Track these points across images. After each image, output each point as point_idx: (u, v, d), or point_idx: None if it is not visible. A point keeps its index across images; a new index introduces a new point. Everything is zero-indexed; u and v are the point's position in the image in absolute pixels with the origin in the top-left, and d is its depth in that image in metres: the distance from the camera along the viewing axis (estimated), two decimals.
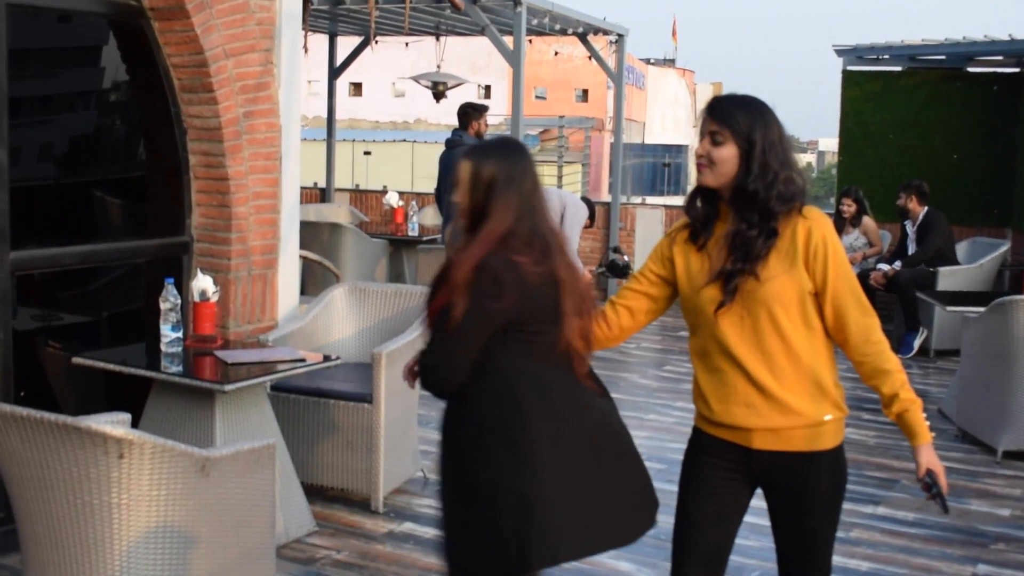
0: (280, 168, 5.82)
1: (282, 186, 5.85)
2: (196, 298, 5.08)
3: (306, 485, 5.31)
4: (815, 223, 2.93)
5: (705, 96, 55.03)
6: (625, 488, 3.19)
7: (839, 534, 5.25)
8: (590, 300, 3.14)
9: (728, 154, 2.93)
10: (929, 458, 2.93)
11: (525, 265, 2.96)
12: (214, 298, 5.11)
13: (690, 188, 3.23)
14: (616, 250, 9.59)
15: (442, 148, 9.26)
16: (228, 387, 4.45)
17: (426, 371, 3.09)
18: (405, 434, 5.63)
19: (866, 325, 2.94)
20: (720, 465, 3.07)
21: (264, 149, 5.72)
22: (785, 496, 3.06)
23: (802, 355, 2.94)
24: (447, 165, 8.89)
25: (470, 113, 8.91)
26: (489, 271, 2.92)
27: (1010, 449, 6.53)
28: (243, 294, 5.64)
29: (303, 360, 4.87)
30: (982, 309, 6.84)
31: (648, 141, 41.76)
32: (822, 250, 2.91)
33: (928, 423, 2.97)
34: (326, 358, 5.04)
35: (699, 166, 3.00)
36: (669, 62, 50.54)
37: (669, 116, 47.61)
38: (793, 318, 2.92)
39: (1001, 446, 6.55)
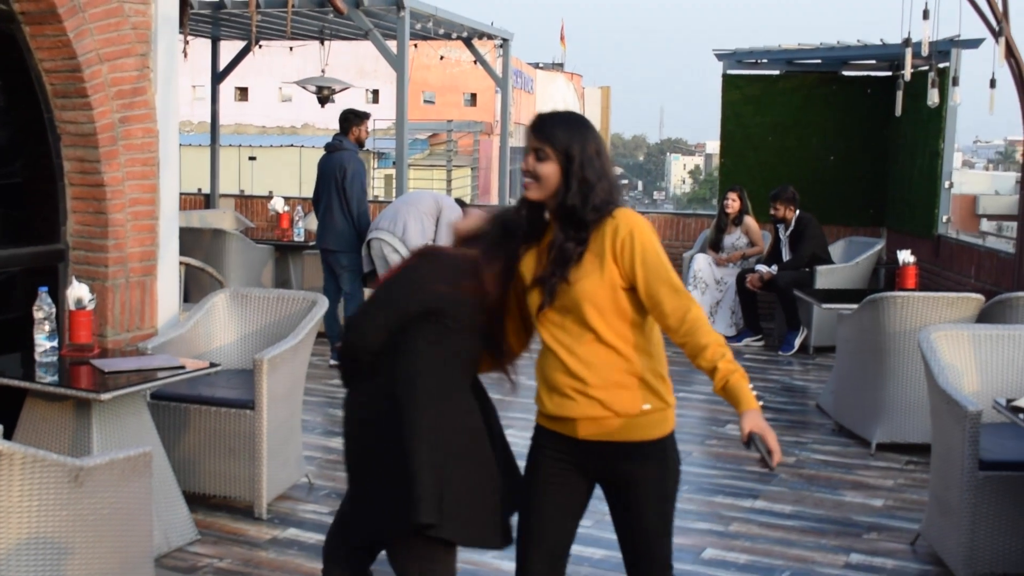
0: (158, 174, 5.75)
1: (160, 192, 5.78)
2: (72, 306, 4.99)
3: (188, 493, 5.25)
4: (622, 220, 3.08)
5: (593, 100, 55.62)
6: (496, 496, 3.30)
7: (717, 528, 5.44)
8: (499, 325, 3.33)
9: (550, 170, 3.11)
10: (754, 421, 2.93)
11: (468, 263, 3.27)
12: (90, 306, 5.03)
13: None
14: None
15: None
16: (104, 396, 4.38)
17: (347, 329, 3.35)
18: (288, 440, 5.60)
19: (680, 306, 3.04)
20: (555, 457, 3.22)
21: (141, 155, 5.65)
22: (615, 488, 3.21)
23: (617, 349, 3.09)
24: (325, 170, 8.84)
25: (351, 119, 8.89)
26: (434, 257, 3.32)
27: (883, 441, 6.74)
28: (121, 302, 5.56)
29: (182, 367, 4.82)
30: (855, 306, 7.05)
31: None
32: (628, 243, 3.05)
33: (755, 392, 2.99)
34: (212, 365, 4.99)
35: (526, 183, 3.17)
36: (557, 66, 50.93)
37: None
38: (606, 314, 3.08)
39: (875, 439, 6.76)
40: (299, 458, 5.80)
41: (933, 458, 5.16)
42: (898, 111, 9.34)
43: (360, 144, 8.95)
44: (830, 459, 6.66)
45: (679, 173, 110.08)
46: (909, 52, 7.88)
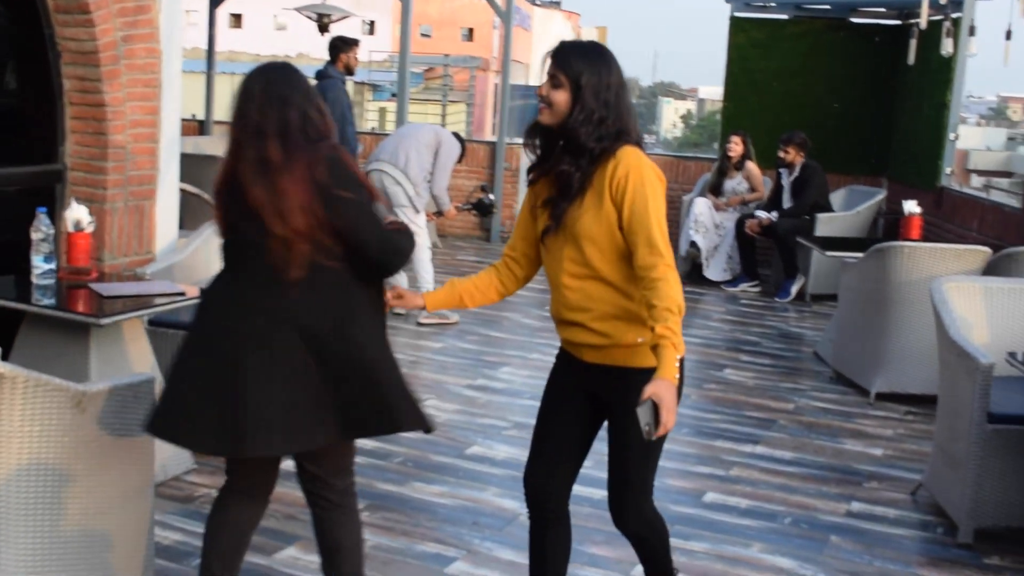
0: (160, 96, 5.62)
1: (162, 115, 5.66)
2: (70, 228, 4.87)
3: None
4: (622, 160, 3.11)
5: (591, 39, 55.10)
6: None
7: (718, 472, 5.40)
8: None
9: (562, 97, 3.15)
10: (658, 389, 2.84)
11: None
12: (89, 229, 4.91)
13: None
14: (484, 188, 9.53)
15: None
16: (104, 320, 4.29)
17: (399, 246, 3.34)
18: None
19: (649, 264, 3.03)
20: (568, 371, 3.37)
21: (143, 75, 5.51)
22: (610, 409, 3.30)
23: (615, 285, 3.16)
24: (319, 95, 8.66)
25: (340, 47, 8.72)
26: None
27: (883, 391, 6.71)
28: (119, 225, 5.46)
29: (182, 294, 4.72)
30: (860, 255, 6.99)
31: (532, 83, 41.62)
32: (623, 184, 3.09)
33: (678, 366, 2.92)
34: None
35: (540, 108, 3.20)
36: (555, 4, 50.41)
37: None
38: (605, 252, 3.14)
39: (874, 388, 6.72)
40: None
41: (940, 409, 5.12)
42: (911, 59, 9.22)
43: (349, 72, 8.79)
44: (829, 407, 6.62)
45: (670, 117, 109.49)
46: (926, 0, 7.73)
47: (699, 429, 6.05)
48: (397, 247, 3.31)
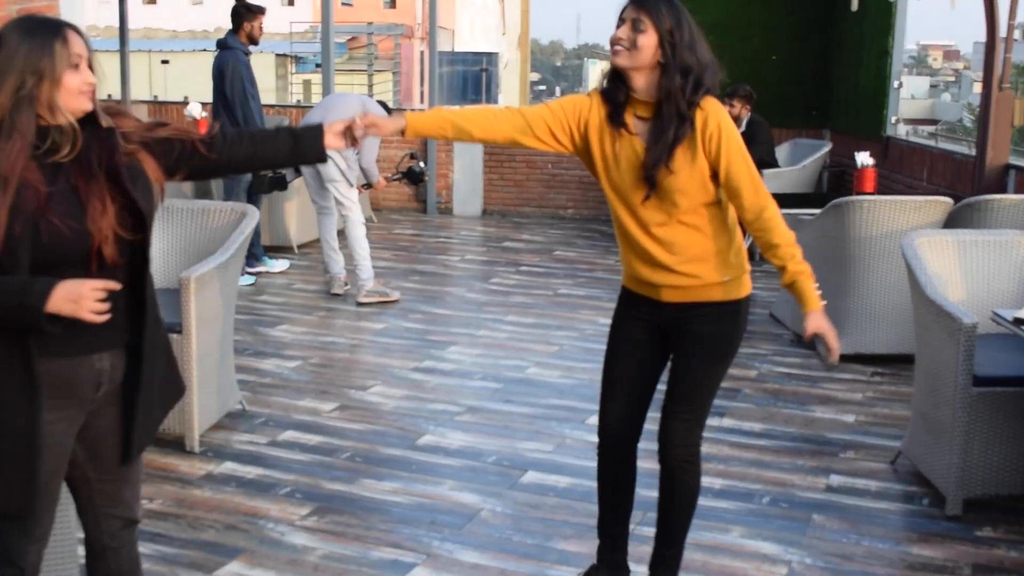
0: None
1: None
2: None
3: None
4: (710, 113, 3.17)
5: (515, 4, 54.49)
6: None
7: None
8: None
9: (648, 42, 3.12)
10: (816, 322, 3.21)
11: None
12: None
13: (590, 85, 3.29)
14: (413, 156, 9.14)
15: None
16: None
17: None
18: (220, 364, 5.13)
19: (758, 204, 3.22)
20: (637, 316, 3.44)
21: None
22: (680, 336, 3.38)
23: (699, 228, 3.26)
24: (218, 68, 8.19)
25: (242, 14, 8.17)
26: None
27: (847, 352, 6.43)
28: None
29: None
30: (816, 211, 6.71)
31: (459, 48, 41.07)
32: (716, 136, 3.16)
33: (819, 291, 3.26)
34: None
35: (615, 50, 3.17)
36: None
37: (478, 23, 46.94)
38: (694, 201, 3.22)
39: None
40: (232, 384, 5.33)
41: (917, 373, 4.85)
42: (854, 5, 8.93)
43: (253, 42, 8.25)
44: (793, 371, 6.35)
45: (596, 78, 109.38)
46: None
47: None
48: None
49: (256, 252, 8.56)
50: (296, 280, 8.51)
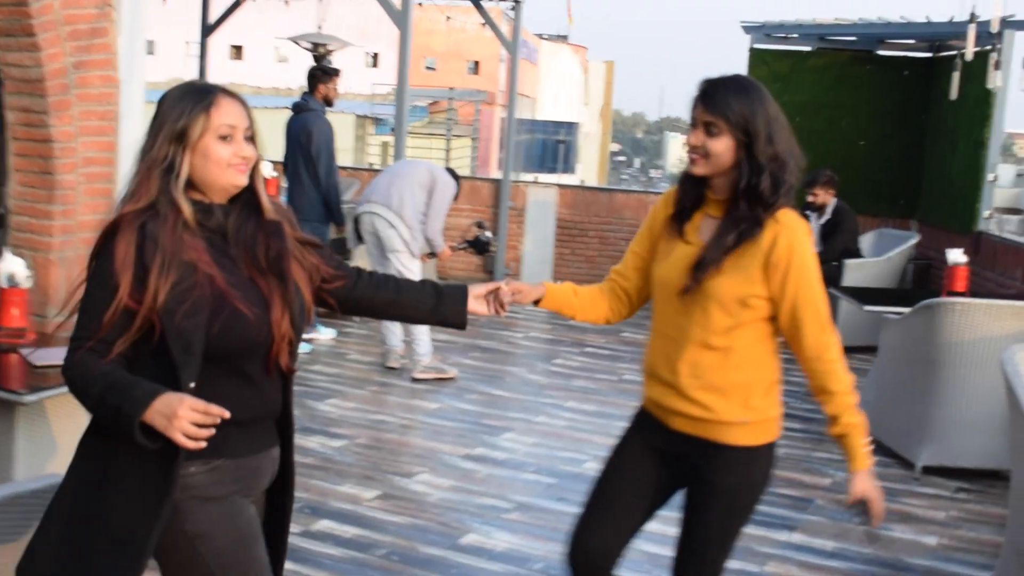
0: (117, 129, 4.96)
1: (120, 150, 4.99)
2: (3, 284, 4.20)
3: None
4: (785, 227, 2.83)
5: (597, 74, 54.72)
6: None
7: (751, 568, 4.67)
8: None
9: (724, 146, 2.82)
10: (863, 485, 2.88)
11: None
12: (26, 284, 4.24)
13: (649, 174, 2.90)
14: (480, 225, 8.87)
15: None
16: (28, 398, 3.60)
17: None
18: None
19: (821, 343, 2.86)
20: (644, 438, 3.08)
21: (98, 107, 4.86)
22: (691, 482, 3.02)
23: (729, 361, 2.89)
24: (290, 132, 8.07)
25: (318, 76, 8.09)
26: None
27: (930, 464, 5.99)
28: (69, 277, 4.78)
29: None
30: (904, 310, 6.28)
31: (539, 117, 41.15)
32: (785, 258, 2.82)
33: (869, 449, 2.90)
34: None
35: (692, 158, 2.88)
36: (562, 38, 49.95)
37: (561, 93, 47.06)
38: (730, 318, 2.87)
39: (920, 461, 6.00)
40: None
41: (1013, 500, 4.38)
42: (954, 94, 8.55)
43: (328, 103, 8.16)
44: None
45: (676, 152, 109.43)
46: (973, 29, 7.06)
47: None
48: None
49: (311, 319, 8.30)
50: (352, 350, 8.24)
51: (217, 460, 2.40)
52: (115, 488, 2.37)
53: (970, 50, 7.17)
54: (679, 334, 2.92)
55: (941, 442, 5.98)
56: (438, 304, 2.83)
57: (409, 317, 2.93)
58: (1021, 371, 4.37)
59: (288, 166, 8.12)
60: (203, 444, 2.26)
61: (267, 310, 2.41)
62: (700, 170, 2.88)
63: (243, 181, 2.44)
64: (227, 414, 2.28)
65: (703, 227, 2.94)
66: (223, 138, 2.40)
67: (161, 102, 2.44)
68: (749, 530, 5.01)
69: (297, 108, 8.12)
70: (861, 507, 2.87)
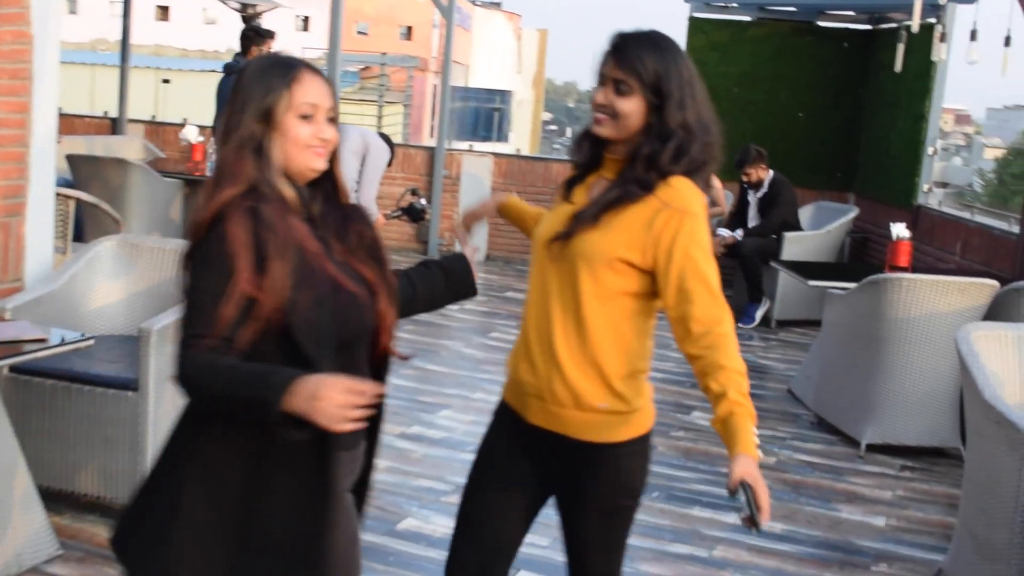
0: (31, 89, 4.63)
1: (33, 112, 4.66)
2: None
3: (51, 491, 4.22)
4: (675, 193, 2.51)
5: (531, 43, 54.31)
6: None
7: (699, 552, 4.51)
8: None
9: (633, 107, 2.53)
10: (746, 468, 2.31)
11: None
12: None
13: (571, 134, 2.63)
14: (414, 192, 8.61)
15: None
16: None
17: None
18: None
19: (712, 315, 2.47)
20: (506, 438, 2.75)
21: (9, 65, 4.53)
22: (560, 490, 2.71)
23: (590, 328, 2.55)
24: (221, 95, 7.76)
25: (251, 38, 7.81)
26: None
27: (874, 442, 5.89)
28: None
29: (42, 341, 3.74)
30: (849, 285, 6.17)
31: (472, 84, 40.71)
32: (674, 224, 2.49)
33: (758, 439, 2.39)
34: (84, 337, 3.91)
35: (597, 118, 2.57)
36: (495, 4, 49.48)
37: (495, 60, 46.67)
38: (597, 285, 2.54)
39: (865, 438, 5.90)
40: None
41: (967, 483, 4.28)
42: (898, 66, 8.43)
43: None
44: (815, 460, 5.79)
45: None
46: (919, 1, 6.92)
47: (670, 492, 5.17)
48: None
49: None
50: None
51: (335, 452, 2.18)
52: (265, 498, 2.16)
53: (916, 22, 7.05)
54: (543, 301, 2.62)
55: (885, 420, 5.89)
56: (448, 282, 2.69)
57: (426, 308, 2.71)
58: (976, 350, 4.26)
59: (218, 129, 7.80)
60: (358, 425, 2.05)
61: (372, 295, 2.27)
62: (605, 131, 2.57)
63: (322, 165, 2.26)
64: (383, 389, 2.16)
65: (593, 188, 2.65)
66: (304, 117, 2.22)
67: (241, 76, 2.28)
68: (694, 512, 4.93)
69: (229, 70, 7.84)
70: (744, 495, 2.33)
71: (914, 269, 6.63)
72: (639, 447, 2.67)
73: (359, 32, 38.56)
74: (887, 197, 9.74)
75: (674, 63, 2.54)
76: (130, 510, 2.30)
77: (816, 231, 9.34)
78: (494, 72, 45.82)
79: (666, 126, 2.52)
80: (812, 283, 6.65)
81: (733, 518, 4.88)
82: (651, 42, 2.55)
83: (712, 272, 2.51)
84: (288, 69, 2.24)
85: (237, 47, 8.02)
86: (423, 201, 8.28)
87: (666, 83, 2.51)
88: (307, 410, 2.00)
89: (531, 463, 2.72)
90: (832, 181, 10.75)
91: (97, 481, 4.32)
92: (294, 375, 2.03)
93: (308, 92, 2.22)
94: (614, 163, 2.63)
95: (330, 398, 1.99)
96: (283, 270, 2.10)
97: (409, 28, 40.88)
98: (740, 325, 8.88)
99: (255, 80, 2.23)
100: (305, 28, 38.11)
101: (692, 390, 6.85)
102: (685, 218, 2.49)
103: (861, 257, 9.99)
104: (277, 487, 2.15)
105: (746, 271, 8.96)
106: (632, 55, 2.52)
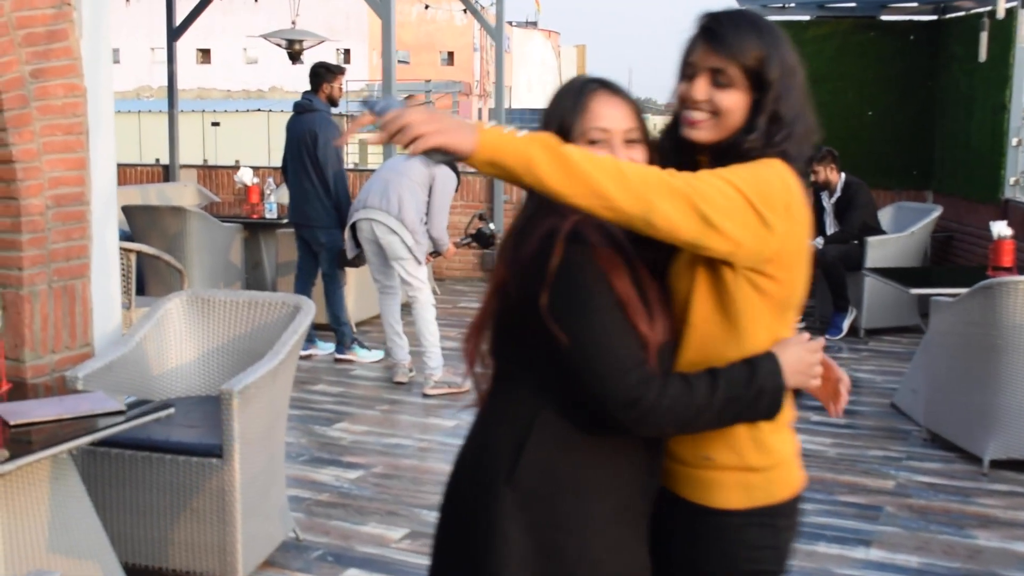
0: (87, 144, 4.39)
1: (91, 167, 4.43)
2: None
3: (138, 568, 3.95)
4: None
5: (569, 59, 54.09)
6: None
7: None
8: None
9: (737, 102, 2.09)
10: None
11: None
12: None
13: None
14: (481, 217, 8.32)
15: None
16: (5, 467, 3.05)
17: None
18: (268, 490, 4.27)
19: (688, 182, 2.05)
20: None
21: (63, 120, 4.29)
22: (671, 559, 2.18)
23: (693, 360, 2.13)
24: (293, 134, 7.54)
25: (322, 74, 7.56)
26: None
27: (998, 457, 5.49)
28: (43, 315, 4.22)
29: (120, 413, 3.47)
30: (957, 291, 5.78)
31: (514, 105, 40.51)
32: None
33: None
34: (164, 406, 3.63)
35: (693, 120, 2.12)
36: (532, 24, 49.30)
37: (535, 79, 46.48)
38: (705, 318, 2.11)
39: (987, 454, 5.50)
40: (283, 508, 4.48)
41: None
42: (983, 55, 8.04)
43: (333, 103, 7.67)
44: (937, 481, 5.40)
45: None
46: None
47: None
48: None
49: (343, 337, 7.72)
50: (354, 365, 7.67)
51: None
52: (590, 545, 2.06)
53: (1002, 7, 6.66)
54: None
55: (1008, 433, 5.49)
56: None
57: None
58: None
59: (289, 170, 7.60)
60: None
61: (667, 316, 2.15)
62: (705, 135, 2.12)
63: None
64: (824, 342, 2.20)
65: None
66: (592, 143, 2.09)
67: (550, 101, 2.18)
68: (821, 548, 4.54)
69: (300, 108, 7.59)
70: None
71: (1019, 269, 6.24)
72: (760, 520, 2.17)
73: (400, 61, 38.49)
74: (970, 193, 9.32)
75: (775, 47, 2.11)
76: None
77: (900, 233, 8.91)
78: (535, 91, 45.63)
79: (770, 122, 2.09)
80: (914, 291, 6.26)
81: (863, 552, 4.52)
82: (750, 23, 2.13)
83: (740, 188, 1.98)
84: (578, 95, 2.13)
85: (280, 84, 7.82)
86: (491, 226, 8.01)
87: (766, 72, 2.08)
88: (802, 382, 2.12)
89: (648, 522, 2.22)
90: (908, 180, 10.34)
91: (185, 555, 4.04)
92: (771, 356, 2.06)
93: (597, 117, 2.10)
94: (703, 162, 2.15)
95: (813, 361, 2.12)
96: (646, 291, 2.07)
97: (451, 53, 40.78)
98: (827, 336, 8.47)
99: (552, 106, 2.16)
100: (347, 60, 38.11)
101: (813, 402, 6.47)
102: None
103: (947, 257, 9.57)
104: (602, 530, 2.08)
105: (830, 280, 8.57)
106: (731, 38, 2.09)
